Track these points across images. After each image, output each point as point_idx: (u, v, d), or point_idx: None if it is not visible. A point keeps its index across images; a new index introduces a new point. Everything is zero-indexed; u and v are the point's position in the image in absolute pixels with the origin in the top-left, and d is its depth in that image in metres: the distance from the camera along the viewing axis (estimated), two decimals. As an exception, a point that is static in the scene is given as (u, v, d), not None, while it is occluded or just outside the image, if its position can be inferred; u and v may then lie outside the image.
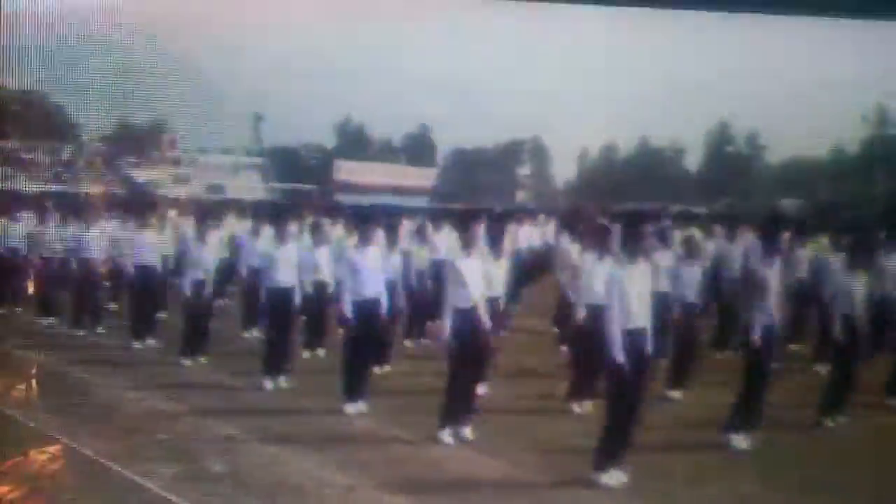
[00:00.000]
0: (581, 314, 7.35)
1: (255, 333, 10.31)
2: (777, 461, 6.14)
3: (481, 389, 7.84)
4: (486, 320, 6.41)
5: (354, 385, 7.23)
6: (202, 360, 9.03)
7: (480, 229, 6.87)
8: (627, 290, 5.48)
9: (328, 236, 9.91)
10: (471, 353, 6.47)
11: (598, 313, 6.90)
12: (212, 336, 9.28)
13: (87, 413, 7.00)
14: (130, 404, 7.37)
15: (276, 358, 8.14)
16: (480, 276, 6.44)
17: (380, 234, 7.96)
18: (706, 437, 6.56)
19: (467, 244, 6.54)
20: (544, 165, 71.38)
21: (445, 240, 10.83)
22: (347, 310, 7.25)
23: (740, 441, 6.39)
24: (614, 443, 5.58)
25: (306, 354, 9.34)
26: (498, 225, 7.73)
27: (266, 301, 8.40)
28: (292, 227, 9.40)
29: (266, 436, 6.46)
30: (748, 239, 9.69)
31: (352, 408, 7.15)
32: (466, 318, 6.39)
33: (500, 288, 7.53)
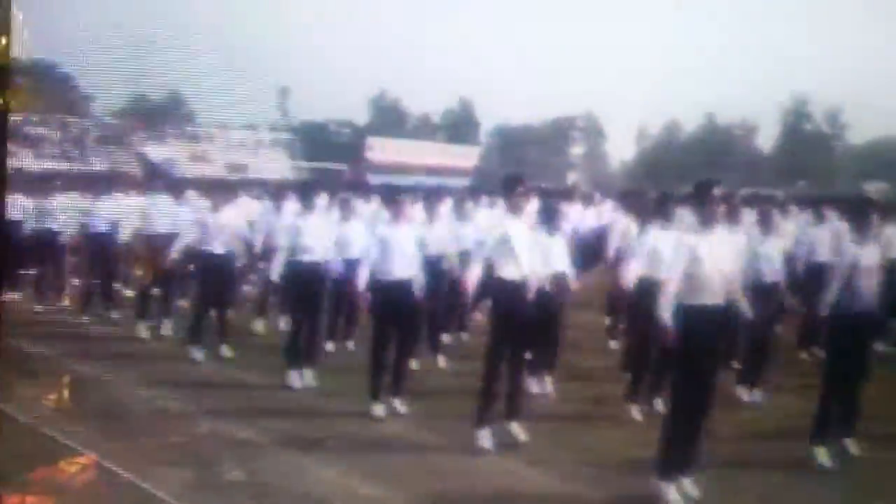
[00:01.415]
0: (630, 282, 7.14)
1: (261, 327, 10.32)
2: (868, 481, 5.88)
3: (539, 387, 7.72)
4: (535, 295, 6.26)
5: (381, 382, 7.12)
6: (227, 353, 8.96)
7: (530, 195, 6.71)
8: (701, 258, 5.18)
9: (358, 211, 9.80)
10: (515, 335, 6.28)
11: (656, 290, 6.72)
12: (231, 326, 9.27)
13: (91, 412, 6.98)
14: (140, 403, 7.36)
15: (301, 347, 8.04)
16: (531, 246, 6.26)
17: (415, 212, 7.79)
18: (788, 450, 6.33)
19: (515, 208, 6.33)
20: (598, 144, 71.04)
21: (489, 217, 10.65)
22: (361, 282, 7.11)
23: (824, 456, 6.11)
24: (680, 440, 5.32)
25: (331, 347, 9.28)
26: (551, 200, 7.60)
27: (290, 278, 8.25)
28: (320, 200, 9.24)
29: (287, 440, 6.39)
30: (834, 223, 9.41)
31: (379, 409, 7.06)
32: (513, 292, 6.21)
33: (562, 263, 7.45)
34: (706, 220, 5.33)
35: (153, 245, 9.92)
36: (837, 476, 5.95)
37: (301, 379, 7.97)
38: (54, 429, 6.40)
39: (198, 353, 8.83)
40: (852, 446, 6.17)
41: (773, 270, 7.69)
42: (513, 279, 6.20)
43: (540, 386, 7.82)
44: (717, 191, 5.39)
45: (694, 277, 5.19)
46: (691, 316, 5.21)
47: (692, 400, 5.29)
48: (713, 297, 5.23)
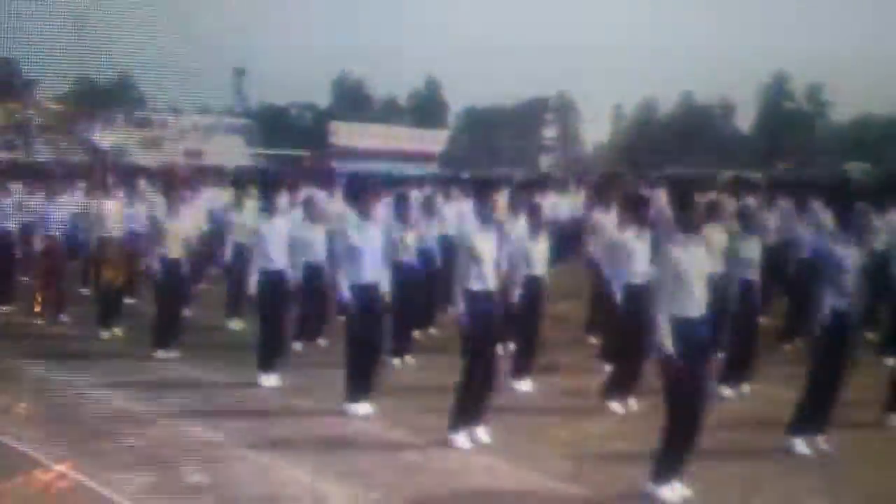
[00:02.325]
0: (618, 296, 7.39)
1: (235, 324, 10.35)
2: (845, 466, 6.05)
3: (525, 386, 7.88)
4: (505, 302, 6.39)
5: (359, 384, 7.19)
6: (174, 353, 8.98)
7: (501, 200, 6.84)
8: (687, 270, 5.32)
9: (324, 211, 9.88)
10: (489, 344, 6.43)
11: (639, 295, 6.88)
12: (190, 326, 9.27)
13: (46, 414, 6.97)
14: (97, 404, 7.33)
15: (270, 352, 8.09)
16: (504, 252, 6.41)
17: (382, 209, 7.90)
18: (768, 440, 6.50)
19: (485, 216, 6.49)
20: (572, 126, 71.40)
21: (456, 211, 10.87)
22: (345, 295, 7.19)
23: (803, 446, 6.28)
24: (676, 450, 5.41)
25: (298, 346, 9.33)
26: (532, 197, 7.71)
27: (257, 286, 8.30)
28: (282, 200, 9.36)
29: (255, 441, 6.40)
30: (816, 211, 9.56)
31: (357, 409, 7.11)
32: (483, 301, 6.35)
33: (540, 267, 7.73)
34: (687, 228, 5.46)
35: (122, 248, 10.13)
36: (818, 463, 6.11)
37: (268, 380, 8.01)
38: (8, 435, 6.40)
39: (164, 354, 8.89)
40: (823, 443, 6.30)
41: (753, 270, 7.79)
42: (479, 290, 6.34)
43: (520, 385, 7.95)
44: (697, 198, 5.54)
45: (678, 290, 5.32)
46: (678, 329, 5.33)
47: (683, 410, 5.39)
48: (698, 307, 5.36)
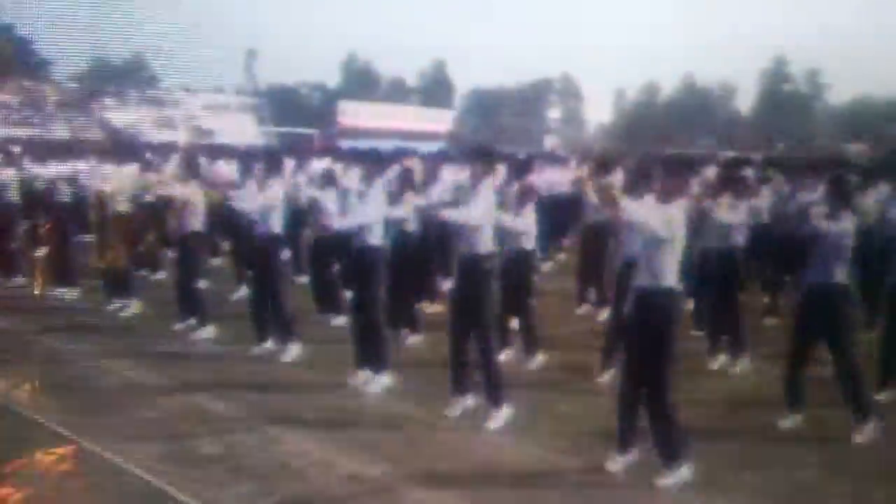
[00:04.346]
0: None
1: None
2: (830, 443, 6.01)
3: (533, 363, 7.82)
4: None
5: (359, 350, 7.22)
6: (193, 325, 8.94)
7: (492, 170, 6.73)
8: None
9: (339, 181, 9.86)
10: (470, 312, 6.31)
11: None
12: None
13: (59, 386, 6.99)
14: (110, 376, 7.34)
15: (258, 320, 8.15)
16: (487, 216, 6.29)
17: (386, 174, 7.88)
18: (752, 417, 6.48)
19: (476, 182, 6.36)
20: (576, 107, 71.20)
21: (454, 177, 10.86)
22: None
23: (786, 421, 6.25)
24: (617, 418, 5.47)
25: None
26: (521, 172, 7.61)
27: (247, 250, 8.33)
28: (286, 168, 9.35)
29: (263, 413, 6.39)
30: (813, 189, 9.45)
31: (357, 378, 7.16)
32: (463, 265, 6.31)
33: (526, 241, 7.58)
34: (663, 195, 5.36)
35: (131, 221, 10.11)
36: (808, 441, 6.06)
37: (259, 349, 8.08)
38: (24, 406, 6.42)
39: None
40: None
41: (735, 238, 7.66)
42: (463, 254, 6.31)
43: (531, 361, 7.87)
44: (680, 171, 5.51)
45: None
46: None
47: (622, 379, 5.53)
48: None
